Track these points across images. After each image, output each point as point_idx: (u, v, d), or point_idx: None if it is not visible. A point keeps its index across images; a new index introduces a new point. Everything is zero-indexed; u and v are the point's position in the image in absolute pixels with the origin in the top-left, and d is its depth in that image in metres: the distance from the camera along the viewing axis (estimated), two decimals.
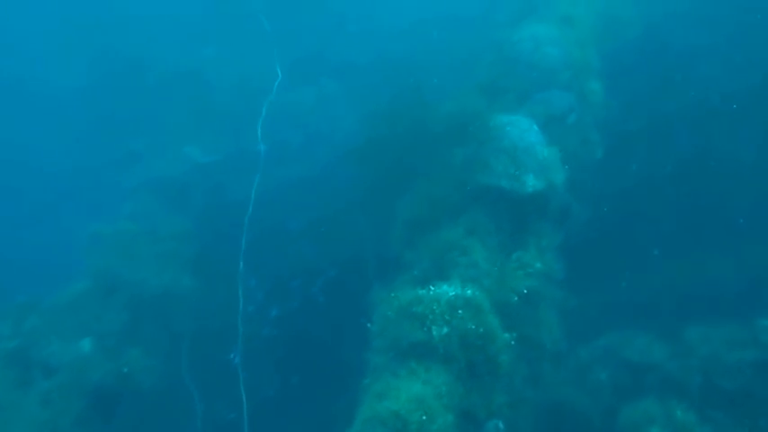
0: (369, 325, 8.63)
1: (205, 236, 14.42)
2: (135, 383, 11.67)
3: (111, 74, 17.66)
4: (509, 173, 10.13)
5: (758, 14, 13.65)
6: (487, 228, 9.90)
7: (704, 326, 10.16)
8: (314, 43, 19.00)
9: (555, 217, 10.28)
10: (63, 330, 11.74)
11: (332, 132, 15.76)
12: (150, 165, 15.87)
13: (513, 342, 8.46)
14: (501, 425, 8.23)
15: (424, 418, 7.39)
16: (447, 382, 7.88)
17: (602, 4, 14.58)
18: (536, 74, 12.38)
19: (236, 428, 11.38)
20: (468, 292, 8.59)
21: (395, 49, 17.94)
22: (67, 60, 18.35)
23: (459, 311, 8.30)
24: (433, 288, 8.62)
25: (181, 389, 12.54)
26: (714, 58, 13.72)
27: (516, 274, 9.53)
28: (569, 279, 9.83)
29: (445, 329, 8.08)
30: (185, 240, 14.12)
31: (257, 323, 12.88)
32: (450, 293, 8.52)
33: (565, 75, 12.28)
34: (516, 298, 9.23)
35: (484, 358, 8.19)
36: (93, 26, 18.43)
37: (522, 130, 10.60)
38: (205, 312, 12.89)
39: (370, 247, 11.79)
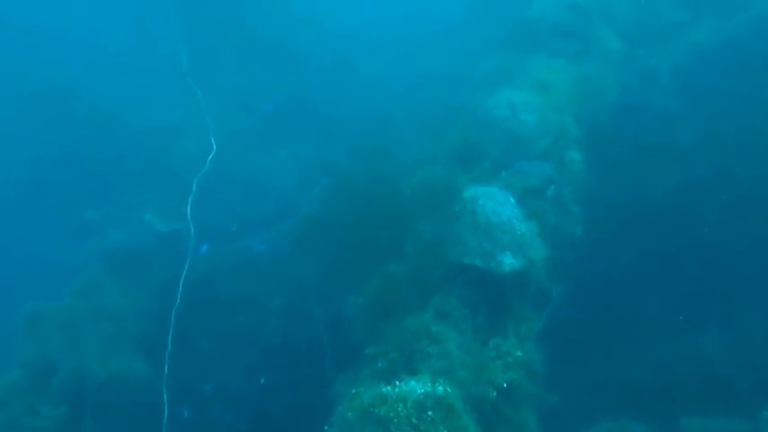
0: (326, 429, 7.59)
1: (163, 313, 13.33)
2: None
3: (65, 138, 16.82)
4: (484, 250, 9.30)
5: (736, 80, 13.30)
6: (461, 312, 9.01)
7: (702, 417, 9.24)
8: (282, 99, 18.62)
9: (534, 299, 9.41)
10: None
11: (288, 203, 14.97)
12: (106, 235, 14.87)
13: None
14: None
15: None
16: None
17: (577, 68, 14.12)
18: (512, 142, 11.73)
19: None
20: (440, 389, 7.63)
21: (365, 107, 17.53)
22: (18, 126, 17.53)
23: (429, 413, 7.32)
24: (399, 384, 7.65)
25: None
26: (694, 124, 13.31)
27: (494, 364, 8.60)
28: (552, 368, 8.88)
29: None
30: (139, 319, 13.02)
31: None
32: (419, 391, 7.55)
33: (543, 143, 11.63)
34: (495, 393, 8.26)
35: None
36: (46, 91, 17.68)
37: (497, 203, 9.83)
38: (158, 403, 11.69)
39: (328, 335, 10.79)
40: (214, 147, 12.22)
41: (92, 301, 12.86)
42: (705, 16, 14.53)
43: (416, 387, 7.62)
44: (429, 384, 7.68)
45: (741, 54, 13.31)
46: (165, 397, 10.38)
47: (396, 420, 7.20)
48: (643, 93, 14.10)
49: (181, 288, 10.80)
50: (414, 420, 7.22)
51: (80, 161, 16.47)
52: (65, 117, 17.16)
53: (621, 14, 15.48)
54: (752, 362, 10.20)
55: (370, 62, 19.50)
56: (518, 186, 10.67)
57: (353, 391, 7.78)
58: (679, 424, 9.36)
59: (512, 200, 10.03)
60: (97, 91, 17.86)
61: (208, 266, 13.25)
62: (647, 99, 14.02)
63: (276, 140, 18.08)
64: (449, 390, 7.65)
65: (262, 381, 11.61)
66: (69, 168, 16.48)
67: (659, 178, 12.36)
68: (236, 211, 15.47)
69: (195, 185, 12.27)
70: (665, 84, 14.13)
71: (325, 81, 19.26)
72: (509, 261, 9.23)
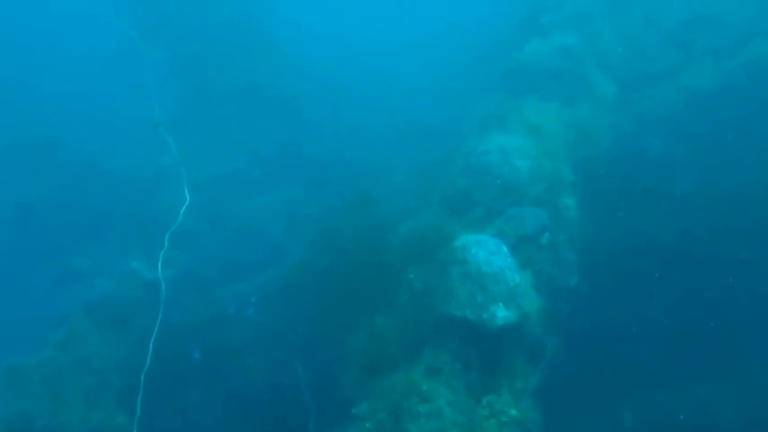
0: None
1: (150, 365, 12.89)
2: None
3: (51, 185, 16.61)
4: (476, 302, 8.98)
5: (732, 125, 13.17)
6: (452, 367, 8.65)
7: None
8: (274, 143, 18.50)
9: (529, 353, 9.05)
10: None
11: (276, 249, 14.70)
12: (92, 283, 14.52)
13: None
14: None
15: None
16: None
17: (571, 112, 13.98)
18: (505, 188, 11.49)
19: None
20: None
21: (355, 153, 17.42)
22: (3, 173, 17.30)
23: None
24: None
25: None
26: (691, 170, 13.13)
27: (488, 423, 8.21)
28: (549, 427, 8.48)
29: None
30: (125, 371, 12.56)
31: None
32: None
33: (536, 189, 11.39)
34: None
35: None
36: (33, 139, 17.53)
37: (489, 252, 9.55)
38: None
39: (312, 391, 10.38)
40: (188, 198, 11.91)
41: (75, 352, 12.45)
42: (699, 60, 14.46)
43: None
44: None
45: (736, 98, 13.21)
46: None
47: None
48: (638, 137, 13.92)
49: (152, 344, 10.32)
50: None
51: (67, 208, 16.19)
52: (51, 165, 16.98)
53: (615, 58, 15.42)
54: (756, 413, 9.82)
55: (363, 108, 19.49)
56: (511, 234, 10.41)
57: None
58: None
59: (504, 249, 9.75)
60: (86, 139, 17.71)
61: (190, 317, 12.87)
62: (643, 144, 13.84)
63: (268, 185, 17.95)
64: None
65: None
66: (56, 215, 16.21)
67: (656, 225, 12.10)
68: (223, 257, 15.19)
69: (167, 239, 11.90)
70: (660, 128, 13.97)
71: (317, 126, 19.19)
72: (502, 314, 8.90)
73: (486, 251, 9.52)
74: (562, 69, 14.75)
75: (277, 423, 10.86)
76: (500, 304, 8.96)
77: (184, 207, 11.69)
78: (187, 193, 11.59)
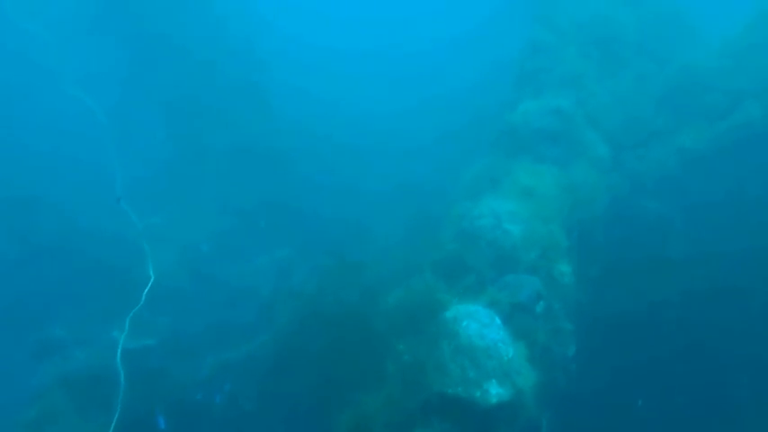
0: None
1: None
2: None
3: (27, 250, 16.20)
4: (468, 379, 8.49)
5: (725, 185, 12.97)
6: None
7: None
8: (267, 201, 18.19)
9: None
10: None
11: (257, 319, 14.25)
12: (69, 355, 13.93)
13: None
14: None
15: None
16: None
17: (564, 174, 13.75)
18: (498, 254, 11.13)
19: None
20: None
21: (347, 212, 17.17)
22: None
23: None
24: None
25: None
26: (686, 232, 12.90)
27: None
28: None
29: None
30: None
31: None
32: None
33: (530, 255, 11.02)
34: None
35: None
36: (8, 194, 17.21)
37: (482, 324, 9.12)
38: None
39: None
40: (152, 277, 11.51)
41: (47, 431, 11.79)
42: (690, 121, 14.32)
43: None
44: None
45: (729, 160, 13.05)
46: None
47: None
48: (633, 199, 13.69)
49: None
50: None
51: (44, 272, 15.73)
52: (28, 227, 16.58)
53: (607, 119, 15.26)
54: None
55: (355, 168, 19.38)
56: (505, 303, 10.00)
57: None
58: None
59: (498, 320, 9.32)
60: (65, 199, 17.41)
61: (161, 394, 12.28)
62: (638, 206, 13.60)
63: (258, 245, 17.68)
64: None
65: None
66: (32, 280, 15.73)
67: (653, 290, 11.75)
68: (208, 322, 14.73)
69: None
70: (655, 190, 13.76)
71: (310, 186, 19.02)
72: (496, 391, 8.41)
73: (479, 323, 9.10)
74: (555, 131, 14.57)
75: None
76: (493, 381, 8.48)
77: (151, 283, 11.19)
78: (152, 273, 11.11)
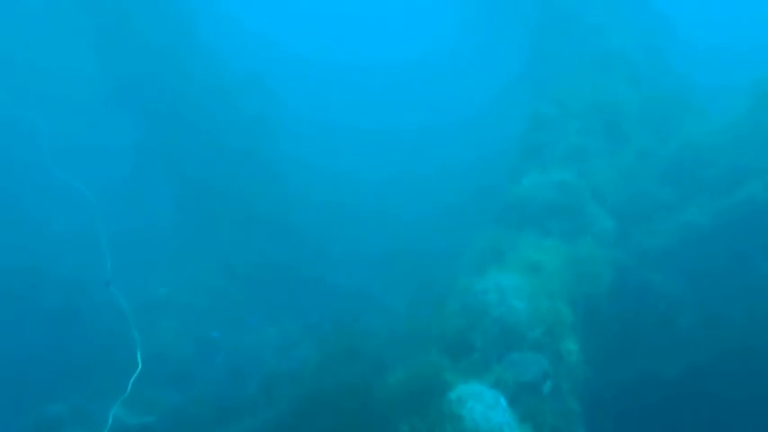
0: None
1: None
2: None
3: (26, 324, 16.16)
4: None
5: (732, 261, 12.94)
6: None
7: None
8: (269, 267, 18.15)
9: None
10: None
11: (259, 393, 14.09)
12: None
13: None
14: None
15: None
16: None
17: (570, 248, 13.75)
18: (503, 331, 11.00)
19: None
20: None
21: (351, 281, 17.16)
22: None
23: None
24: None
25: None
26: (693, 307, 12.82)
27: None
28: None
29: None
30: None
31: None
32: None
33: (535, 332, 10.90)
34: None
35: None
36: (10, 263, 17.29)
37: (487, 406, 8.94)
38: None
39: None
40: (139, 365, 11.42)
41: None
42: (695, 195, 14.40)
43: None
44: None
45: (734, 235, 13.08)
46: None
47: None
48: (639, 273, 13.64)
49: None
50: None
51: (42, 345, 15.63)
52: (27, 299, 16.58)
53: (611, 192, 15.37)
54: None
55: (360, 237, 19.44)
56: (510, 382, 9.84)
57: None
58: None
59: (503, 402, 9.16)
60: (67, 269, 17.46)
61: None
62: (644, 280, 13.55)
63: (261, 313, 17.64)
64: None
65: None
66: (30, 354, 15.59)
67: (662, 366, 11.57)
68: (212, 394, 14.53)
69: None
70: (660, 264, 13.72)
71: (314, 253, 19.07)
72: None
73: (484, 405, 8.93)
74: (560, 204, 14.66)
75: None
76: None
77: (138, 372, 11.07)
78: (139, 359, 11.03)
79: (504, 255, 13.37)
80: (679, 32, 16.93)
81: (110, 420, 10.14)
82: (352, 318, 14.78)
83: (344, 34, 22.67)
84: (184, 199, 20.06)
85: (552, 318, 11.32)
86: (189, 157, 20.12)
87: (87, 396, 14.36)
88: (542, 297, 11.71)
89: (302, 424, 10.34)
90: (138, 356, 11.01)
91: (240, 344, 17.02)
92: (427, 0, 20.98)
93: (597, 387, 10.55)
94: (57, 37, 21.31)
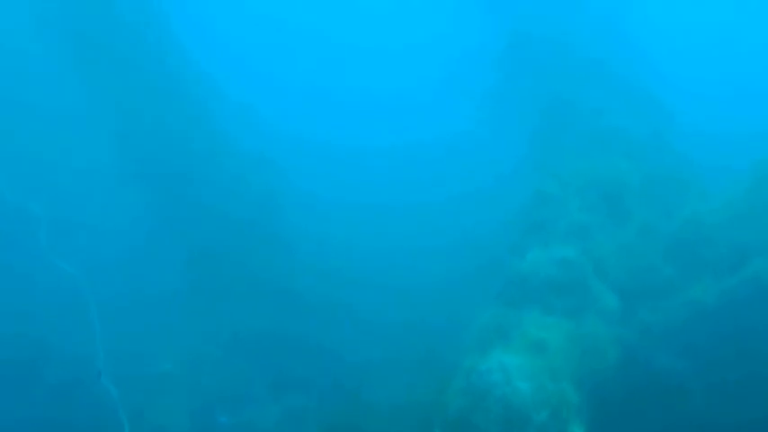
0: None
1: None
2: None
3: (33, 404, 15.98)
4: None
5: (738, 340, 12.86)
6: None
7: None
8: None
9: None
10: None
11: None
12: None
13: None
14: None
15: None
16: None
17: (574, 326, 13.67)
18: (508, 413, 10.85)
19: None
20: None
21: (355, 356, 17.05)
22: None
23: None
24: None
25: None
26: (702, 387, 12.67)
27: None
28: None
29: None
30: None
31: None
32: None
33: (541, 415, 10.76)
34: None
35: None
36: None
37: None
38: None
39: None
40: None
41: None
42: (699, 272, 14.40)
43: None
44: None
45: (739, 314, 13.04)
46: None
47: None
48: (644, 351, 13.52)
49: None
50: None
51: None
52: (34, 381, 16.45)
53: (616, 269, 15.36)
54: None
55: (362, 306, 19.42)
56: None
57: None
58: None
59: None
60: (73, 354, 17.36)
61: None
62: (650, 358, 13.41)
63: (270, 388, 17.45)
64: None
65: None
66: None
67: None
68: None
69: None
70: (666, 342, 13.63)
71: (325, 324, 18.99)
72: None
73: None
74: (563, 281, 14.65)
75: None
76: None
77: None
78: None
79: (508, 333, 13.30)
80: (677, 114, 17.25)
81: None
82: (355, 391, 14.59)
83: (353, 117, 23.22)
84: (191, 270, 20.14)
85: (558, 400, 11.19)
86: (196, 230, 20.31)
87: None
88: (547, 377, 11.59)
89: None
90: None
91: (242, 419, 16.82)
92: (433, 85, 21.57)
93: None
94: (68, 119, 21.94)
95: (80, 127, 21.50)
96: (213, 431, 16.31)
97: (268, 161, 21.67)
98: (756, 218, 13.61)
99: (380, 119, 23.12)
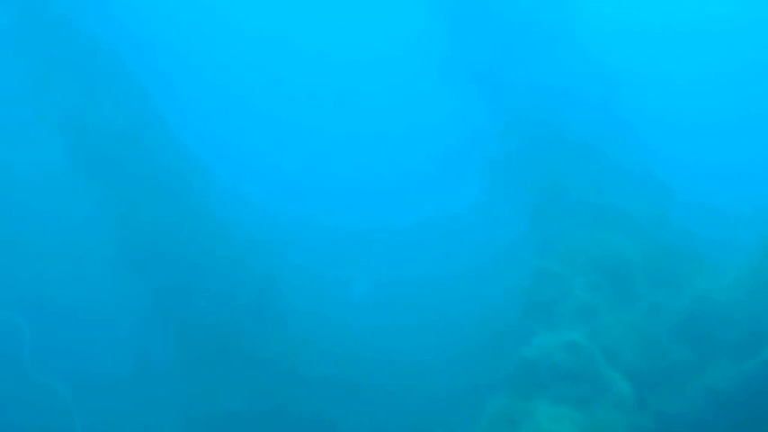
0: None
1: None
2: None
3: None
4: None
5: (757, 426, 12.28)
6: None
7: None
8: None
9: None
10: None
11: None
12: None
13: None
14: None
15: None
16: None
17: (586, 416, 13.09)
18: None
19: None
20: None
21: None
22: None
23: None
24: None
25: None
26: None
27: None
28: None
29: None
30: None
31: None
32: None
33: None
34: None
35: None
36: None
37: None
38: None
39: None
40: None
41: None
42: (712, 355, 13.89)
43: None
44: None
45: (759, 399, 12.45)
46: None
47: None
48: None
49: None
50: None
51: None
52: None
53: (625, 352, 14.83)
54: None
55: (362, 381, 19.17)
56: None
57: None
58: None
59: None
60: None
61: None
62: None
63: None
64: None
65: None
66: None
67: None
68: None
69: None
70: (681, 429, 13.01)
71: (314, 393, 18.73)
72: None
73: None
74: (572, 367, 14.11)
75: None
76: None
77: None
78: None
79: (519, 425, 12.72)
80: (676, 190, 17.15)
81: None
82: None
83: (351, 200, 23.30)
84: (185, 352, 19.75)
85: None
86: (191, 313, 20.00)
87: None
88: None
89: None
90: None
91: None
92: (430, 166, 21.75)
93: None
94: (62, 206, 21.97)
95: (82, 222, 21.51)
96: None
97: (266, 242, 21.56)
98: None
99: (378, 199, 23.23)
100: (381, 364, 20.17)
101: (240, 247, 20.79)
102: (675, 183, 16.96)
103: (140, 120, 20.64)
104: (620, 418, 13.14)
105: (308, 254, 22.49)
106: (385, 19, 25.37)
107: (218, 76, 26.19)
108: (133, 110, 20.67)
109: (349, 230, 23.32)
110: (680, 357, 14.34)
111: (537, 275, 16.96)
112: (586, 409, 13.20)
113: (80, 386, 17.88)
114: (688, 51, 23.76)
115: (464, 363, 18.70)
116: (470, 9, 19.68)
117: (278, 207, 22.86)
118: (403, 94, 24.59)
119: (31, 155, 22.61)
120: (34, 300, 20.08)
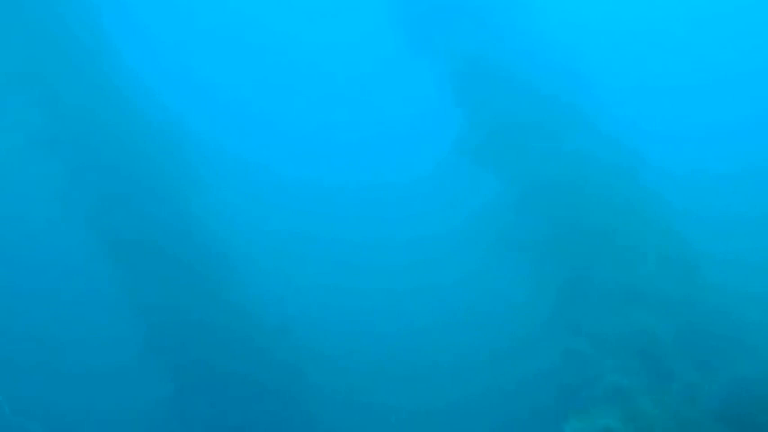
0: None
1: None
2: None
3: None
4: None
5: None
6: None
7: None
8: None
9: None
10: None
11: None
12: None
13: None
14: None
15: None
16: None
17: None
18: None
19: None
20: None
21: None
22: None
23: None
24: None
25: None
26: None
27: None
28: None
29: None
30: None
31: None
32: None
33: None
34: None
35: None
36: None
37: None
38: None
39: None
40: None
41: None
42: None
43: None
44: None
45: None
46: None
47: None
48: None
49: None
50: None
51: None
52: None
53: None
54: None
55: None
56: None
57: None
58: None
59: None
60: None
61: None
62: None
63: None
64: None
65: None
66: None
67: None
68: None
69: None
70: None
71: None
72: None
73: None
74: None
75: None
76: None
77: None
78: None
79: None
80: (703, 269, 16.85)
81: None
82: None
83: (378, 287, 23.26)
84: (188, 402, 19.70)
85: None
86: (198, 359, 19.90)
87: None
88: None
89: None
90: None
91: None
92: (449, 240, 21.80)
93: None
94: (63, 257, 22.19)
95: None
96: None
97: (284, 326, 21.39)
98: None
99: (399, 286, 23.11)
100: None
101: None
102: (703, 262, 16.73)
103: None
104: None
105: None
106: (399, 98, 25.90)
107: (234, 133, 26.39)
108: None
109: (363, 299, 23.13)
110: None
111: (564, 356, 16.61)
112: None
113: None
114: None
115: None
116: (484, 86, 19.72)
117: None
118: (419, 173, 24.79)
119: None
120: None
